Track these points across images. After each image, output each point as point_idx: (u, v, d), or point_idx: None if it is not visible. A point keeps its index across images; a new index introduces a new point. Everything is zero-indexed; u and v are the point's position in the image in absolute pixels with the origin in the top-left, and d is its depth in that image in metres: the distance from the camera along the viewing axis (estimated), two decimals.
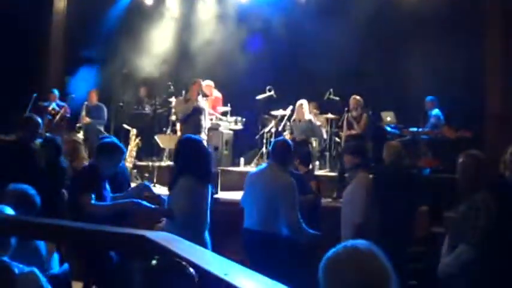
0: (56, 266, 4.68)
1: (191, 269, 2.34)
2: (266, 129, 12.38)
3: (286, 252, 6.10)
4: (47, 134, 11.64)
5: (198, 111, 10.75)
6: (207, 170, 5.75)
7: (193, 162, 5.57)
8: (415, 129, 11.83)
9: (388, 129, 12.16)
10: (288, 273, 4.44)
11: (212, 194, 6.00)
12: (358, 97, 11.45)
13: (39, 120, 7.55)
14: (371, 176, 6.95)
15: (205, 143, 9.23)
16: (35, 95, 12.52)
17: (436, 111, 12.04)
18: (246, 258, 5.71)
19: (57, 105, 13.02)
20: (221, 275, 2.25)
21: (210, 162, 5.85)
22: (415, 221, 7.39)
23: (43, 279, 3.26)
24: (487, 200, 4.79)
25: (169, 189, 5.65)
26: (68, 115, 13.04)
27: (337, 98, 12.31)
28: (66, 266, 4.81)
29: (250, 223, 6.26)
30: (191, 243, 2.90)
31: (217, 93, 12.67)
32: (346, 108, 11.63)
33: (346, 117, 11.55)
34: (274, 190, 6.16)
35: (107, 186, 5.85)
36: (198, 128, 10.54)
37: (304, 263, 5.96)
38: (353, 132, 11.25)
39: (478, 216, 4.74)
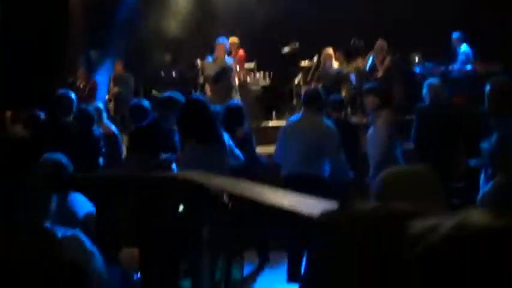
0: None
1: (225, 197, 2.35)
2: (295, 82, 12.32)
3: (328, 193, 6.15)
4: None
5: (227, 70, 10.70)
6: (209, 132, 5.58)
7: (196, 124, 5.48)
8: (444, 67, 11.70)
9: (417, 70, 12.02)
10: None
11: (249, 153, 6.07)
12: (382, 41, 11.32)
13: (73, 96, 7.66)
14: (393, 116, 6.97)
15: (238, 101, 9.27)
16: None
17: (464, 47, 11.84)
18: None
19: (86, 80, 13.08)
20: (256, 197, 2.25)
21: (213, 124, 5.79)
22: (455, 157, 7.37)
23: (87, 241, 3.29)
24: None
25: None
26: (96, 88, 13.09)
27: (362, 44, 12.18)
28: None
29: (291, 169, 6.29)
30: (225, 178, 2.95)
31: (241, 51, 12.60)
32: (371, 53, 11.51)
33: (371, 61, 11.43)
34: (314, 136, 6.22)
35: None
36: (229, 88, 10.50)
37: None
38: (378, 75, 11.15)
39: (509, 144, 4.70)
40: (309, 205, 2.04)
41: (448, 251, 1.06)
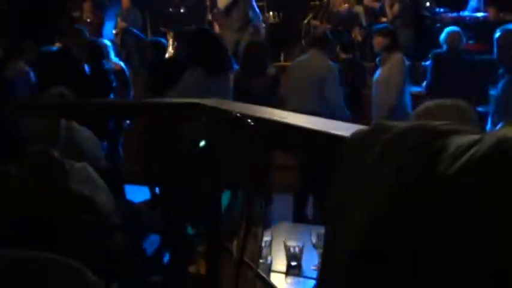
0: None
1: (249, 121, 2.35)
2: (304, 21, 12.21)
3: None
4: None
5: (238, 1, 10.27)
6: (221, 60, 5.65)
7: (204, 52, 5.52)
8: (454, 14, 11.60)
9: (427, 14, 11.89)
10: None
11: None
12: None
13: (84, 29, 7.64)
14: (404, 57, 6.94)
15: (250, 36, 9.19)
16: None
17: None
18: None
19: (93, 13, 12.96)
20: (280, 119, 2.26)
21: (225, 54, 5.82)
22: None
23: (95, 174, 3.30)
24: None
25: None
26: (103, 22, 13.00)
27: None
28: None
29: (295, 106, 6.33)
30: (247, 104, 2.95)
31: None
32: None
33: (382, 3, 11.31)
34: (317, 74, 6.26)
35: None
36: (242, 19, 10.21)
37: None
38: (387, 18, 11.04)
39: None
40: (337, 126, 2.03)
41: (491, 166, 1.04)
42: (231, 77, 5.85)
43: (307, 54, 6.90)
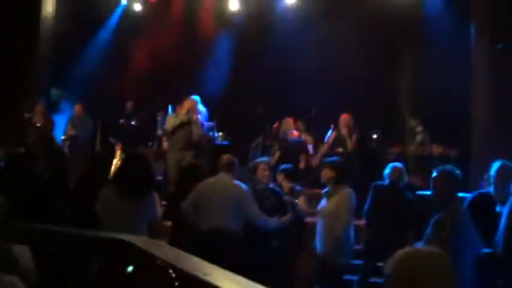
0: None
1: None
2: (253, 145, 12.32)
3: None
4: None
5: (185, 124, 10.75)
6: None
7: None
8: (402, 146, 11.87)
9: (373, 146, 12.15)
10: None
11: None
12: (348, 116, 11.39)
13: None
14: (352, 191, 7.01)
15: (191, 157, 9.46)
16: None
17: (422, 129, 12.06)
18: None
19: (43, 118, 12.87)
20: (201, 276, 2.21)
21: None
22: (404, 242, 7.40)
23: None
24: (455, 214, 4.87)
25: None
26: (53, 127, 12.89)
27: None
28: None
29: (211, 225, 6.62)
30: (172, 247, 2.88)
31: (202, 108, 12.62)
32: (332, 126, 11.59)
33: (333, 135, 11.45)
34: (227, 198, 6.69)
35: None
36: (186, 141, 10.61)
37: None
38: (340, 150, 11.18)
39: (443, 229, 4.90)
40: None
41: None
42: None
43: (215, 177, 7.08)
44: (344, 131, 11.16)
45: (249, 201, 6.78)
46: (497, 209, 5.84)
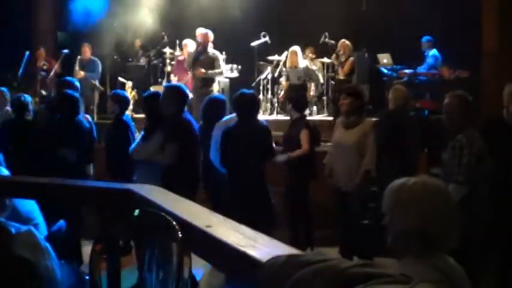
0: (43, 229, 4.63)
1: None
2: (262, 76, 12.29)
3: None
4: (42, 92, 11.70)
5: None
6: None
7: None
8: (411, 70, 11.76)
9: (385, 71, 12.07)
10: None
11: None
12: (346, 41, 11.30)
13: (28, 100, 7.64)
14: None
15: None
16: (27, 53, 12.41)
17: (433, 52, 11.94)
18: None
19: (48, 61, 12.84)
20: (203, 227, 2.23)
21: None
22: (417, 164, 7.36)
23: (41, 238, 3.25)
24: (471, 138, 4.85)
25: None
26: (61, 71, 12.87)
27: (333, 42, 12.19)
28: (61, 223, 4.79)
29: None
30: (176, 196, 2.91)
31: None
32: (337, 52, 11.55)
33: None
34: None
35: None
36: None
37: None
38: (341, 77, 11.15)
39: (462, 155, 4.83)
40: (261, 245, 2.04)
41: None
42: None
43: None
44: (342, 58, 11.12)
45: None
46: None
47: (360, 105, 6.70)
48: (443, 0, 11.94)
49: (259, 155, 6.29)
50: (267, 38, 12.39)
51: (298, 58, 11.46)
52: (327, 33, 12.28)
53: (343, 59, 11.19)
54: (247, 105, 6.36)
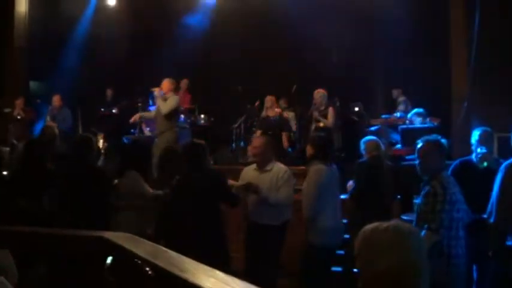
0: None
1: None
2: (235, 125, 12.32)
3: None
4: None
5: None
6: None
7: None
8: (386, 116, 11.88)
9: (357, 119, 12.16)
10: None
11: None
12: (321, 90, 11.28)
13: None
14: (324, 167, 6.65)
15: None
16: None
17: (404, 99, 12.10)
18: None
19: (23, 110, 12.81)
20: (177, 273, 2.18)
21: None
22: (390, 211, 7.37)
23: None
24: (445, 184, 4.84)
25: None
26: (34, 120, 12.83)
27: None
28: None
29: None
30: (151, 243, 2.85)
31: (187, 94, 12.63)
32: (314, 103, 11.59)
33: (311, 111, 11.39)
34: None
35: None
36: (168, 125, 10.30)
37: None
38: (320, 125, 11.15)
39: (436, 201, 4.81)
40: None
41: None
42: None
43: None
44: (321, 108, 11.11)
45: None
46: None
47: (313, 153, 6.69)
48: (413, 47, 12.13)
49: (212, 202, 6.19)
50: (239, 88, 12.50)
51: (273, 106, 11.51)
52: (295, 86, 12.35)
53: (321, 109, 11.14)
54: (197, 153, 6.34)
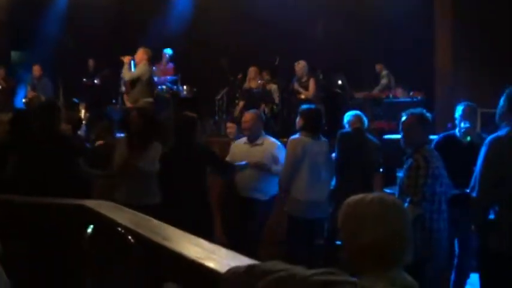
0: None
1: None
2: (218, 97, 12.26)
3: None
4: None
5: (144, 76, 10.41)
6: None
7: None
8: (366, 91, 11.88)
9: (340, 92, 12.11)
10: None
11: None
12: (302, 62, 11.20)
13: None
14: (304, 139, 6.67)
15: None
16: None
17: (386, 73, 12.08)
18: None
19: (4, 80, 12.69)
20: (160, 241, 2.15)
21: None
22: (373, 184, 7.38)
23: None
24: (428, 157, 4.83)
25: None
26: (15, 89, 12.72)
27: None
28: None
29: None
30: (133, 211, 2.82)
31: (170, 64, 12.48)
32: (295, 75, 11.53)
33: (293, 84, 11.34)
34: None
35: None
36: (144, 94, 10.19)
37: None
38: (302, 96, 11.10)
39: (418, 175, 4.79)
40: (219, 257, 1.97)
41: None
42: None
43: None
44: (302, 79, 11.08)
45: None
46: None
47: (301, 124, 6.74)
48: (397, 22, 12.08)
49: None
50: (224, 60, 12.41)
51: (256, 78, 11.46)
52: (278, 58, 12.27)
53: (303, 80, 11.11)
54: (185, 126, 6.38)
